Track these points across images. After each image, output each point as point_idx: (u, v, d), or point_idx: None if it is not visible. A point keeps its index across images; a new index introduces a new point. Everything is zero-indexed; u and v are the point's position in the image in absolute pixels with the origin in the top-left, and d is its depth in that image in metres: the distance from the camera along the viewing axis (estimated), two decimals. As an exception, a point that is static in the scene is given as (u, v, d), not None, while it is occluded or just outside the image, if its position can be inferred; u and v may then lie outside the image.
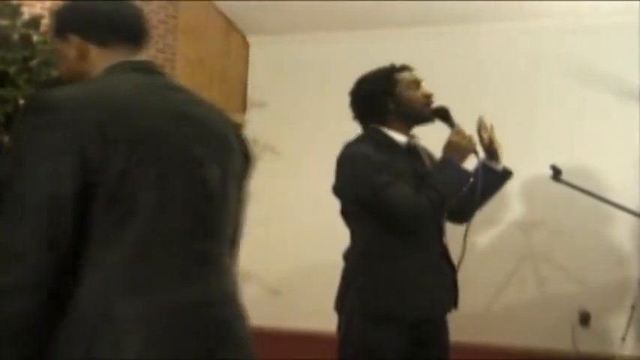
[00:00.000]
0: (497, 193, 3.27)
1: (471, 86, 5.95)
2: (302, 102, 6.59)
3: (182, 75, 6.19)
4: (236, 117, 6.56)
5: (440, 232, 3.17)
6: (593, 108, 5.77)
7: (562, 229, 5.76)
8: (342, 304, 3.09)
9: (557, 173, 3.76)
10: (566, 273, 5.69)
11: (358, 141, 3.12)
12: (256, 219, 6.12)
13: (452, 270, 3.17)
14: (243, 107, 6.84)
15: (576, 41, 5.74)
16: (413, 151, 3.21)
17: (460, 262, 3.15)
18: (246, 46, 6.83)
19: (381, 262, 3.03)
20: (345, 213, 3.14)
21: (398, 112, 3.15)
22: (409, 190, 2.98)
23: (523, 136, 5.81)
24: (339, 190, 3.12)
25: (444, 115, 3.20)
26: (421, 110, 3.16)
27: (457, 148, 3.08)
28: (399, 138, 3.17)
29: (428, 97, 3.19)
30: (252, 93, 6.86)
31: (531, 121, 5.90)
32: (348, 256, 3.15)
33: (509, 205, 5.89)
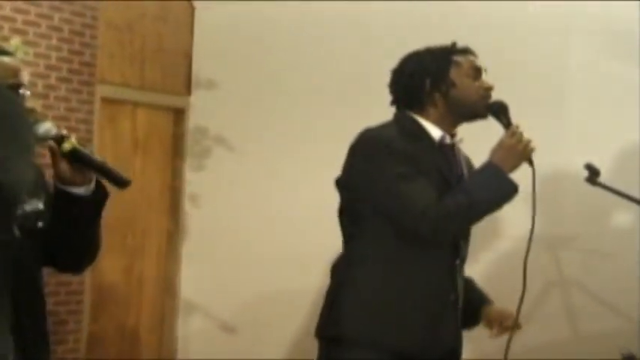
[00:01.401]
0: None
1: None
2: (263, 81, 6.27)
3: (105, 45, 5.98)
4: (177, 100, 6.48)
5: (456, 250, 3.02)
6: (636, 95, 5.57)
7: (598, 248, 5.55)
8: (325, 329, 3.00)
9: (593, 174, 3.40)
10: (604, 303, 5.48)
11: (381, 126, 2.99)
12: (203, 235, 6.30)
13: (457, 299, 3.03)
14: (187, 88, 6.54)
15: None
16: (447, 149, 3.06)
17: (521, 300, 3.01)
18: (190, 10, 6.59)
19: (376, 279, 2.95)
20: (346, 212, 3.00)
21: (446, 101, 3.03)
22: (431, 190, 2.86)
23: (550, 127, 5.48)
24: (345, 181, 2.99)
25: (500, 111, 3.04)
26: (476, 103, 3.04)
27: (510, 152, 2.92)
28: (434, 131, 3.04)
29: (488, 90, 3.06)
30: (199, 70, 6.56)
31: (559, 109, 5.71)
32: (337, 266, 3.04)
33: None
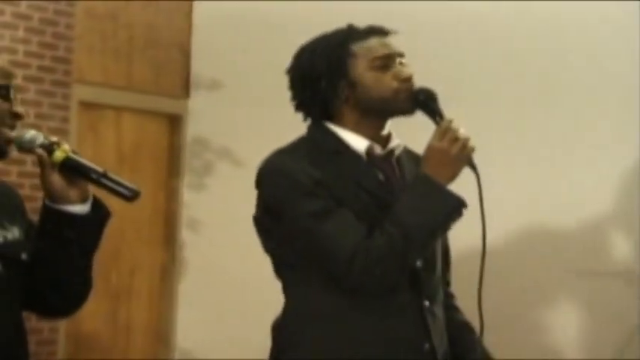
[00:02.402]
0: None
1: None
2: (278, 82, 5.83)
3: (84, 36, 5.97)
4: (172, 105, 6.46)
5: (418, 287, 2.83)
6: None
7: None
8: None
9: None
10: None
11: (290, 146, 2.88)
12: (204, 271, 6.28)
13: (433, 350, 2.85)
14: (185, 89, 6.54)
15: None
16: (380, 161, 2.87)
17: (480, 333, 2.92)
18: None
19: (322, 342, 2.79)
20: (273, 257, 2.85)
21: (355, 103, 2.84)
22: (355, 225, 2.73)
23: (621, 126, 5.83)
24: (258, 223, 2.85)
25: (427, 102, 2.86)
26: (390, 100, 2.84)
27: (444, 157, 2.77)
28: (356, 142, 2.87)
29: (405, 81, 2.84)
30: (199, 67, 6.56)
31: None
32: (277, 327, 2.89)
33: (607, 248, 6.06)
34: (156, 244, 6.42)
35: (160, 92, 6.39)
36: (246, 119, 6.41)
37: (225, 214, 6.27)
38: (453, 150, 2.79)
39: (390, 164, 2.91)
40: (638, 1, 5.56)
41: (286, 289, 2.88)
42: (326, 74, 2.87)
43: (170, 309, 6.36)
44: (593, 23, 6.04)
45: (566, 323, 5.96)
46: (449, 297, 2.97)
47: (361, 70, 2.89)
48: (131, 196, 2.33)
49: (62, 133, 5.63)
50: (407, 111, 2.87)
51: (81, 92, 5.89)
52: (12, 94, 2.33)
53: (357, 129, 2.89)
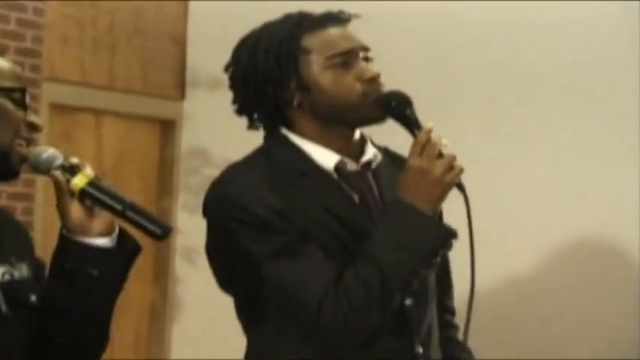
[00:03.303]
0: None
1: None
2: None
3: (56, 23, 5.71)
4: (164, 107, 6.17)
5: (410, 334, 2.70)
6: None
7: None
8: None
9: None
10: None
11: (244, 163, 2.71)
12: (201, 309, 6.12)
13: None
14: (179, 89, 6.24)
15: None
16: (355, 178, 2.71)
17: None
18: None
19: None
20: (235, 300, 2.76)
21: (311, 109, 2.65)
22: (322, 265, 2.59)
23: None
24: (210, 257, 2.68)
25: (399, 110, 2.68)
26: (354, 106, 2.66)
27: (426, 178, 2.60)
28: (324, 157, 2.70)
29: (371, 81, 2.65)
30: (197, 62, 6.27)
31: None
32: None
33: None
34: (144, 278, 6.23)
35: (149, 92, 6.12)
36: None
37: None
38: (435, 169, 2.61)
39: (365, 181, 2.73)
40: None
41: (248, 332, 2.76)
42: (272, 75, 2.68)
43: (161, 354, 6.19)
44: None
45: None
46: (451, 328, 2.86)
47: (315, 70, 2.69)
48: (162, 235, 2.24)
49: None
50: (375, 119, 2.69)
51: (52, 92, 5.68)
52: (27, 101, 2.27)
53: (321, 140, 2.72)
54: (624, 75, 6.87)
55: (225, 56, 6.04)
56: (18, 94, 2.27)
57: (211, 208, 2.63)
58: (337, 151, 2.68)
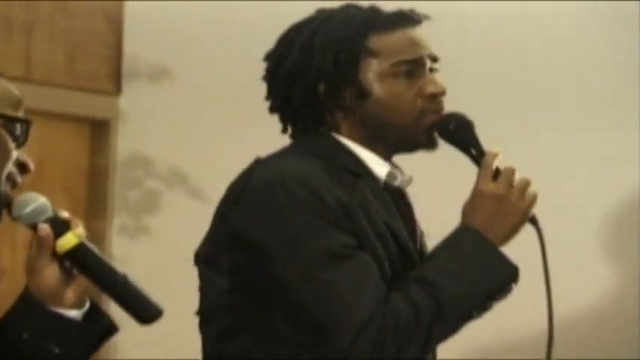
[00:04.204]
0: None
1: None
2: (250, 70, 5.24)
3: None
4: (95, 104, 5.83)
5: None
6: None
7: None
8: None
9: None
10: None
11: (292, 156, 2.66)
12: (148, 345, 5.85)
13: None
14: (115, 81, 5.74)
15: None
16: (395, 195, 2.72)
17: None
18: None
19: None
20: (213, 312, 2.63)
21: (362, 118, 2.63)
22: (378, 281, 2.54)
23: None
24: (211, 261, 2.59)
25: (461, 133, 2.65)
26: (409, 124, 2.62)
27: (500, 206, 2.58)
28: (376, 164, 2.66)
29: (433, 97, 2.60)
30: (136, 49, 5.82)
31: None
32: None
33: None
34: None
35: (77, 86, 5.58)
36: (209, 127, 5.80)
37: (175, 272, 5.05)
38: (512, 195, 2.57)
39: (407, 202, 2.73)
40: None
41: (229, 336, 2.62)
42: (327, 76, 2.63)
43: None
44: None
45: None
46: None
47: (377, 76, 2.65)
48: (150, 319, 2.12)
49: None
50: (423, 146, 2.63)
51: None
52: (27, 137, 2.16)
53: (370, 149, 2.73)
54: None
55: (172, 40, 5.06)
56: (18, 126, 2.17)
57: (270, 197, 2.52)
58: (384, 160, 2.68)
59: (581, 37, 7.03)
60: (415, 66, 2.62)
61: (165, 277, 5.40)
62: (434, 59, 2.63)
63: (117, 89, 5.67)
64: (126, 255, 5.52)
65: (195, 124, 5.77)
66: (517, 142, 6.92)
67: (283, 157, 2.66)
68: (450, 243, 2.58)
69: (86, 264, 2.13)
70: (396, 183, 2.67)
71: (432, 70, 2.61)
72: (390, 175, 2.65)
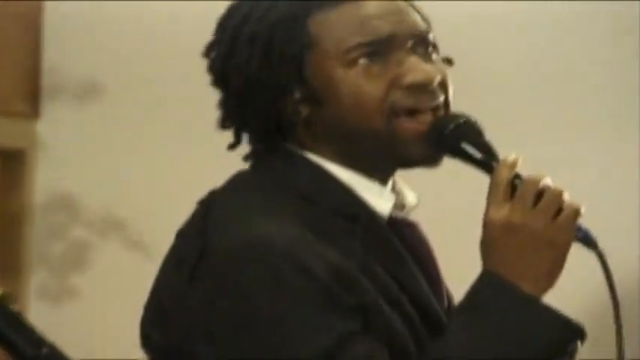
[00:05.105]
0: None
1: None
2: (170, 92, 5.43)
3: None
4: (11, 131, 5.40)
5: None
6: None
7: None
8: None
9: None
10: None
11: (254, 191, 2.26)
12: None
13: None
14: (32, 102, 5.29)
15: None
16: (404, 235, 2.39)
17: None
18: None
19: None
20: None
21: (325, 131, 2.27)
22: None
23: None
24: (161, 352, 2.20)
25: (467, 142, 2.27)
26: (383, 127, 2.23)
27: (522, 240, 2.22)
28: (373, 194, 2.32)
29: (417, 88, 2.22)
30: (59, 61, 5.36)
31: None
32: None
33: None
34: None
35: None
36: (150, 159, 5.24)
37: (110, 344, 4.97)
38: (535, 220, 2.14)
39: (418, 237, 2.33)
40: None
41: None
42: (259, 79, 2.22)
43: None
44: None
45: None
46: None
47: (326, 70, 2.23)
48: None
49: None
50: (421, 159, 2.21)
51: None
52: None
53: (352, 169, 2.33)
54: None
55: (101, 51, 4.65)
56: None
57: (248, 269, 2.12)
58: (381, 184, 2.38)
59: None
60: (381, 47, 2.19)
61: (96, 351, 4.95)
62: (422, 40, 2.18)
63: (34, 112, 5.20)
64: (46, 323, 5.14)
65: (134, 155, 5.30)
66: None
67: (247, 195, 2.21)
68: (471, 301, 2.17)
69: (6, 328, 1.85)
70: (403, 214, 2.32)
71: (426, 55, 2.18)
72: (396, 207, 2.28)
